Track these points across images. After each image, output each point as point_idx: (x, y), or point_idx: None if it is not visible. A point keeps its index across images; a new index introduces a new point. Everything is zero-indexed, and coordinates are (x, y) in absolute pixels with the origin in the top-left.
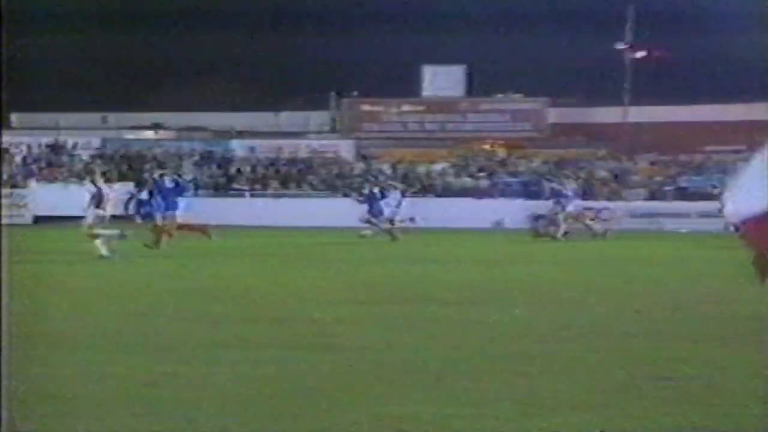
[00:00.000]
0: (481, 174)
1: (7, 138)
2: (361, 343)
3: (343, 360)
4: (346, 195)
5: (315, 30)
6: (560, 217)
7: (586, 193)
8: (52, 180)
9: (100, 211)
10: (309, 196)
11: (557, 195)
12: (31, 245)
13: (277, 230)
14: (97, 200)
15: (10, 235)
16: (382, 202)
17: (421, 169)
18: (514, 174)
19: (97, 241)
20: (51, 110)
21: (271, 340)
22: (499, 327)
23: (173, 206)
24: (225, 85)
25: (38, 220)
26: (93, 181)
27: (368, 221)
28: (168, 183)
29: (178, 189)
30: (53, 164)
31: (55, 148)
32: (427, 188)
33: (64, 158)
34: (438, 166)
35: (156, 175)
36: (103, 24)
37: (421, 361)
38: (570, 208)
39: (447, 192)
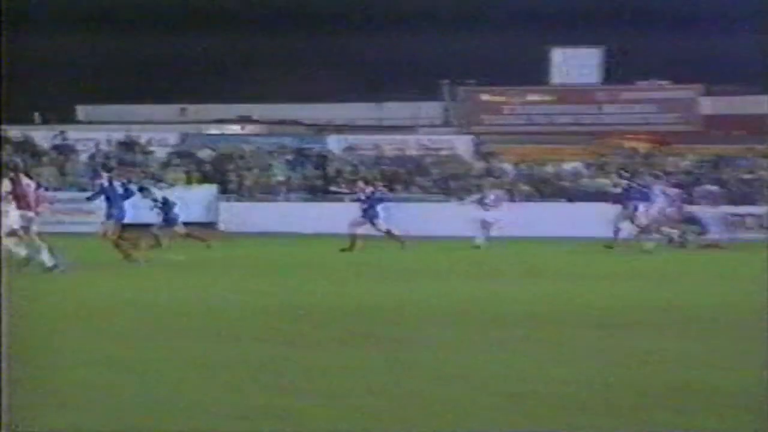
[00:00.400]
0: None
1: (74, 134)
2: (490, 371)
3: (469, 391)
4: (461, 199)
5: (423, 8)
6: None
7: (745, 197)
8: (123, 181)
9: (28, 213)
10: (419, 200)
11: (633, 196)
12: (97, 257)
13: (381, 239)
14: (18, 198)
15: (76, 246)
16: (380, 206)
17: (550, 168)
18: (660, 175)
19: (10, 243)
20: (122, 101)
21: (382, 366)
22: (647, 354)
23: (122, 213)
24: (322, 73)
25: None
26: (13, 177)
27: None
28: (118, 188)
29: (127, 194)
30: (125, 163)
31: (128, 144)
32: (557, 191)
33: (138, 156)
34: (570, 166)
35: (104, 179)
36: (183, 6)
37: (559, 392)
38: (649, 211)
39: (580, 195)
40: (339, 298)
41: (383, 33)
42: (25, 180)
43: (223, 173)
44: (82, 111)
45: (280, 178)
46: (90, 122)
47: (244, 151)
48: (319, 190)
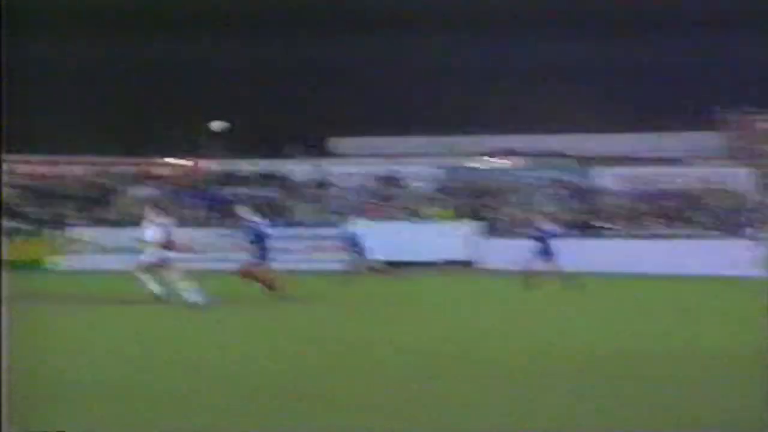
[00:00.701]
0: None
1: (332, 168)
2: None
3: None
4: (741, 235)
5: (695, 31)
6: None
7: None
8: (382, 217)
9: (165, 251)
10: (694, 236)
11: None
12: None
13: (652, 278)
14: (165, 239)
15: (318, 283)
16: (553, 243)
17: None
18: None
19: (148, 278)
20: (381, 133)
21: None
22: None
23: (267, 253)
24: (586, 101)
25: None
26: (156, 217)
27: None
28: (263, 227)
29: (270, 233)
30: (384, 198)
31: (386, 178)
32: None
33: (397, 191)
34: None
35: (246, 217)
36: (443, 38)
37: None
38: None
39: None
40: (596, 341)
41: (653, 57)
42: (165, 219)
43: (484, 208)
44: (338, 143)
45: (545, 213)
46: (347, 155)
47: (507, 184)
48: (585, 226)
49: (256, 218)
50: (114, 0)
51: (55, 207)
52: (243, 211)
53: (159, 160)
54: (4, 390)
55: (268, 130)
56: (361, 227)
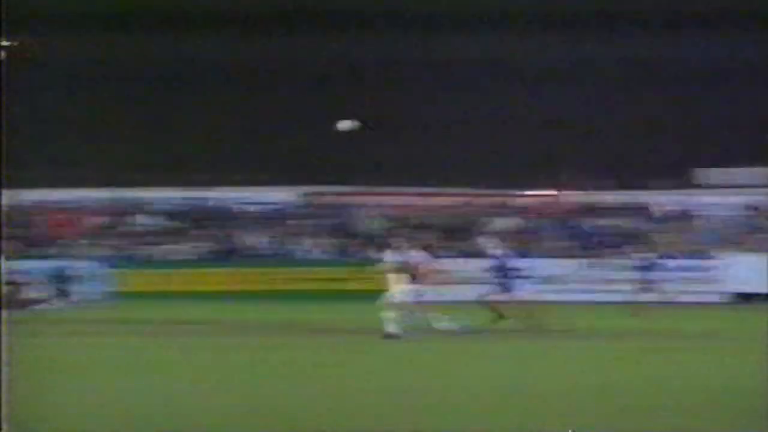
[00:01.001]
0: None
1: (697, 198)
2: None
3: None
4: None
5: None
6: None
7: None
8: (751, 249)
9: (418, 286)
10: None
11: None
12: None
13: None
14: (406, 271)
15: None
16: None
17: None
18: None
19: (390, 316)
20: (747, 164)
21: None
22: None
23: (510, 284)
24: None
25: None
26: (398, 249)
27: None
28: (506, 259)
29: (513, 265)
30: (752, 229)
31: (755, 209)
32: None
33: (765, 222)
34: None
35: (489, 248)
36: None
37: None
38: None
39: None
40: None
41: None
42: (413, 252)
43: None
44: (703, 175)
45: None
46: (710, 186)
47: None
48: None
49: (500, 250)
50: None
51: (420, 238)
52: (486, 243)
53: (522, 192)
54: None
55: (632, 162)
56: (729, 259)
